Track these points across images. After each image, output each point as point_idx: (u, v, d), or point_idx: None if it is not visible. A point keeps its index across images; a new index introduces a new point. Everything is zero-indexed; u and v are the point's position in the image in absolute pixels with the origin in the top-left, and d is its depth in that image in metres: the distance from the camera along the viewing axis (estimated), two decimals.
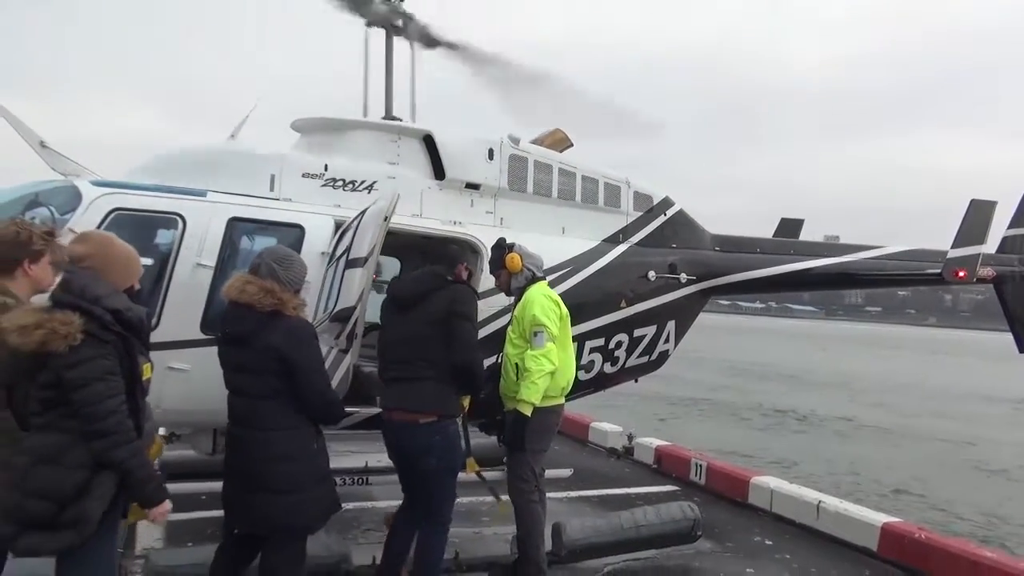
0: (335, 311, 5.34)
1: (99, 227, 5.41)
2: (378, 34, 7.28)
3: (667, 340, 8.07)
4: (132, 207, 5.73)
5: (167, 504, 3.66)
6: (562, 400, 5.73)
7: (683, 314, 8.18)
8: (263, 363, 4.12)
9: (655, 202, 8.15)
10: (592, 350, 7.45)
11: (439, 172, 6.93)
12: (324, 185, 6.50)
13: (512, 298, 5.85)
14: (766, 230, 9.70)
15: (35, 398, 3.44)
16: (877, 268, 9.08)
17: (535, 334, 5.31)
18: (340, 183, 6.55)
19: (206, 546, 4.99)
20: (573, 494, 8.53)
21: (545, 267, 6.92)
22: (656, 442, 10.55)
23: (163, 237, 5.94)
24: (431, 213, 6.82)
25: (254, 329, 4.14)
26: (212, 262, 5.81)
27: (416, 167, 6.89)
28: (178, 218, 5.83)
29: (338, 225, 6.13)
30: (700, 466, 9.34)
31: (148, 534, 6.55)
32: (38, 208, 5.76)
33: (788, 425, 22.59)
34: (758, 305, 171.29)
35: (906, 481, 15.19)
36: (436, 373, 4.93)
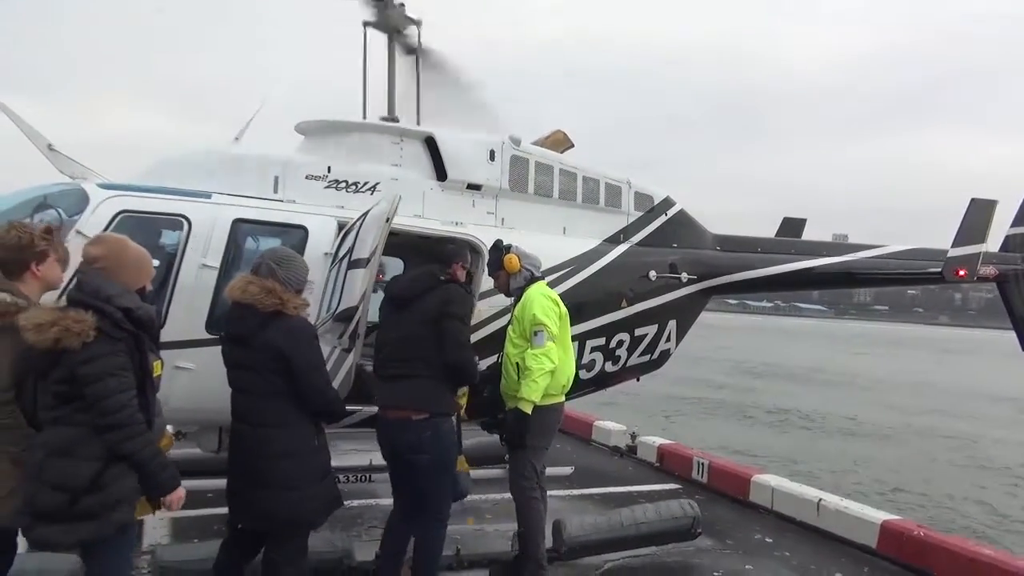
0: (338, 311, 5.42)
1: (106, 229, 5.52)
2: (380, 37, 7.37)
3: (668, 339, 8.13)
4: (138, 209, 5.83)
5: (181, 490, 3.79)
6: (562, 398, 5.79)
7: (684, 313, 8.24)
8: (264, 362, 4.21)
9: (656, 202, 8.21)
10: (593, 349, 7.52)
11: (441, 173, 7.01)
12: (327, 187, 6.59)
13: (512, 298, 5.90)
14: (774, 231, 9.73)
15: (50, 393, 3.57)
16: (878, 267, 9.11)
17: (535, 333, 5.38)
18: (343, 184, 6.63)
19: (211, 542, 5.07)
20: (575, 492, 8.62)
21: (546, 267, 6.99)
22: (659, 441, 10.60)
23: (168, 238, 6.04)
24: (433, 214, 6.89)
25: (255, 328, 4.23)
26: (217, 263, 5.91)
27: (418, 168, 6.98)
28: (183, 220, 5.93)
29: (341, 226, 6.21)
30: (702, 464, 9.39)
31: (155, 530, 6.67)
32: (46, 210, 5.89)
33: (799, 425, 22.62)
34: (766, 304, 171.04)
35: (910, 481, 15.22)
36: (429, 371, 4.99)
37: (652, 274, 7.87)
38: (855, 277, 9.19)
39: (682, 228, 8.37)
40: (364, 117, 7.36)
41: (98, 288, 3.61)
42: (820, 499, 7.78)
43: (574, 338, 7.24)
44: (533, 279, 5.68)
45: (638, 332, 7.82)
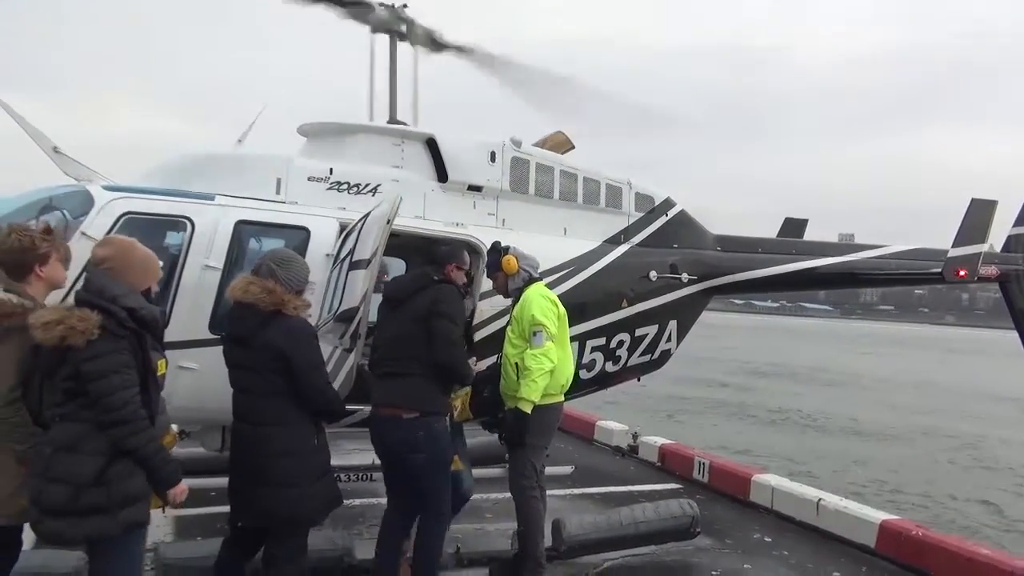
0: (339, 312, 5.48)
1: (110, 230, 5.59)
2: (382, 39, 7.42)
3: (669, 339, 8.15)
4: (142, 211, 5.89)
5: (183, 485, 3.87)
6: (561, 397, 5.83)
7: (685, 313, 8.26)
8: (264, 361, 4.28)
9: (657, 203, 8.24)
10: (594, 349, 7.55)
11: (442, 175, 7.05)
12: (329, 188, 6.64)
13: (510, 299, 5.95)
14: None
15: (57, 390, 3.68)
16: (879, 267, 9.14)
17: (534, 334, 5.42)
18: (345, 186, 6.68)
19: (214, 540, 5.13)
20: (576, 491, 8.68)
21: (547, 267, 7.05)
22: (660, 440, 10.65)
23: (172, 240, 6.10)
24: (434, 215, 6.94)
25: (256, 328, 4.29)
26: (220, 264, 5.96)
27: (419, 170, 7.02)
28: (187, 221, 5.99)
29: (343, 227, 6.24)
30: (703, 464, 9.43)
31: (158, 528, 6.74)
32: (52, 212, 5.96)
33: (803, 426, 22.62)
34: (772, 304, 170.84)
35: (914, 481, 15.23)
36: (421, 370, 5.01)
37: (653, 274, 7.91)
38: (856, 277, 9.21)
39: (683, 228, 8.40)
40: (370, 119, 7.41)
41: (103, 288, 3.72)
42: (820, 499, 7.82)
43: (575, 338, 7.29)
44: (531, 280, 5.73)
45: (639, 332, 7.85)
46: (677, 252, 8.21)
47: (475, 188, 7.16)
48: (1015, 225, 10.08)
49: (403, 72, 7.43)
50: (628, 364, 7.88)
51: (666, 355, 8.21)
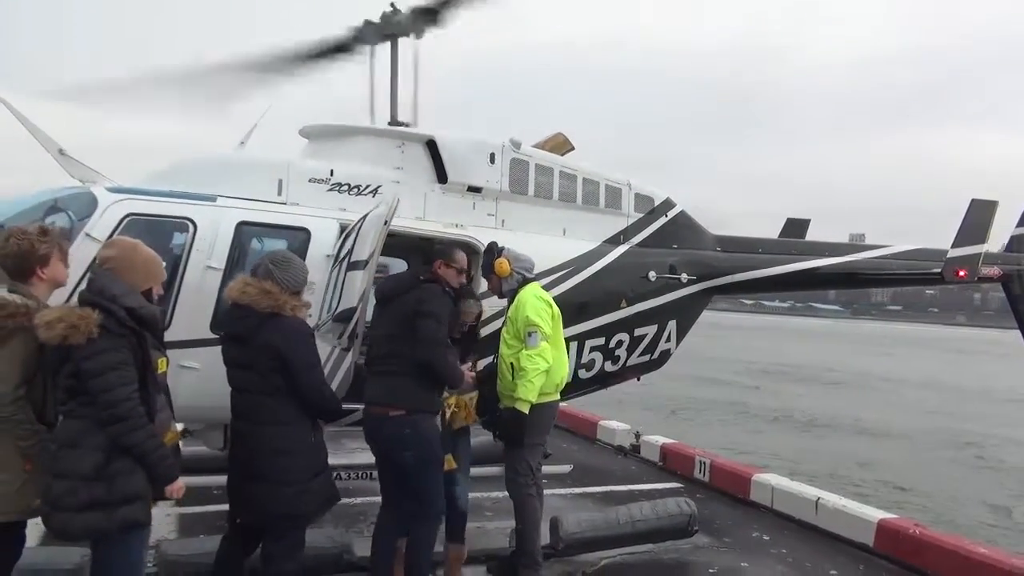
0: (337, 311, 5.56)
1: (114, 231, 5.70)
2: (383, 42, 7.48)
3: (668, 339, 8.22)
4: (145, 212, 5.99)
5: (180, 481, 3.95)
6: (557, 396, 5.88)
7: (684, 314, 8.33)
8: (262, 361, 4.35)
9: (656, 203, 8.31)
10: (593, 349, 7.62)
11: (442, 176, 7.12)
12: (330, 189, 6.72)
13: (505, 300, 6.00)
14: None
15: (61, 387, 3.79)
16: (880, 267, 9.17)
17: (529, 334, 5.47)
18: (345, 187, 6.76)
19: (215, 537, 5.17)
20: (577, 490, 8.73)
21: (546, 268, 7.11)
22: (662, 440, 10.68)
23: (175, 240, 6.20)
24: (433, 216, 7.02)
25: (253, 329, 4.36)
26: (221, 265, 6.05)
27: (419, 171, 7.09)
28: (189, 222, 6.08)
29: (343, 228, 6.32)
30: (704, 463, 9.46)
31: (162, 526, 6.84)
32: (57, 213, 6.08)
33: (809, 426, 22.59)
34: (782, 304, 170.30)
35: (918, 481, 15.21)
36: (408, 369, 5.04)
37: (652, 275, 7.97)
38: (856, 277, 9.25)
39: (682, 229, 8.46)
40: (372, 121, 7.48)
41: (103, 287, 3.82)
42: (819, 498, 7.84)
43: (574, 338, 7.37)
44: (526, 281, 5.78)
45: (638, 332, 7.91)
46: (677, 252, 8.27)
47: (475, 189, 7.23)
48: (1018, 225, 10.10)
49: (403, 73, 7.48)
50: (627, 364, 7.94)
51: (666, 355, 8.27)
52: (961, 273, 8.84)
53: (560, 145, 7.98)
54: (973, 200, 9.05)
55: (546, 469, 7.57)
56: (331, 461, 6.31)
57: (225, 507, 4.86)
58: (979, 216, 8.95)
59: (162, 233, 6.13)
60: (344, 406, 5.06)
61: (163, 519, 7.02)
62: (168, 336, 5.55)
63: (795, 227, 9.84)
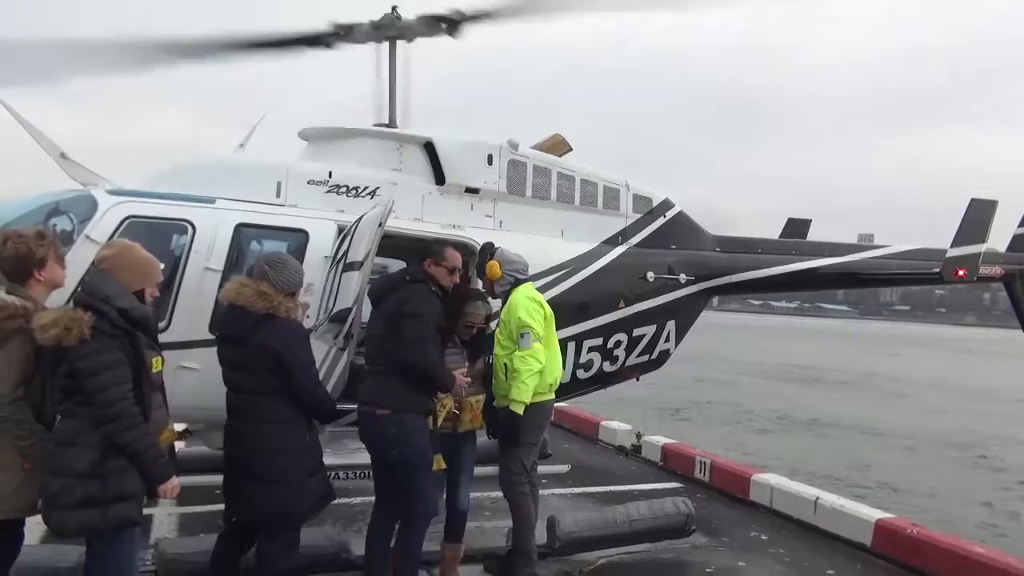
0: (333, 312, 5.61)
1: (113, 234, 5.76)
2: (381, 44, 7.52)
3: (667, 339, 8.21)
4: (144, 214, 6.05)
5: (175, 479, 4.00)
6: (552, 395, 5.90)
7: (683, 314, 8.32)
8: (257, 361, 4.41)
9: (655, 204, 8.31)
10: (591, 349, 7.62)
11: (440, 177, 7.16)
12: (328, 191, 6.76)
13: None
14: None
15: (57, 387, 3.87)
16: (879, 267, 9.17)
17: (521, 335, 5.50)
18: (344, 189, 6.80)
19: (214, 536, 5.24)
20: (577, 490, 8.76)
21: (544, 268, 7.14)
22: (663, 440, 10.70)
23: (174, 242, 6.25)
24: (431, 217, 7.05)
25: (248, 329, 4.42)
26: (220, 266, 6.09)
27: (417, 173, 7.13)
28: (188, 224, 6.13)
29: (341, 230, 6.37)
30: (704, 463, 9.48)
31: (163, 525, 6.91)
32: (58, 216, 6.15)
33: (814, 427, 22.56)
34: (790, 305, 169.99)
35: (922, 481, 15.17)
36: (393, 368, 5.07)
37: (650, 275, 7.97)
38: (856, 277, 9.24)
39: (681, 229, 8.46)
40: (374, 123, 7.53)
41: (97, 289, 3.89)
42: (817, 497, 7.86)
43: (572, 338, 7.39)
44: (518, 282, 5.80)
45: (636, 332, 7.91)
46: (675, 253, 8.27)
47: (472, 190, 7.26)
48: (1020, 225, 10.06)
49: (402, 75, 7.52)
50: (626, 364, 7.94)
51: (665, 355, 8.27)
52: (960, 273, 8.82)
53: (558, 146, 8.00)
54: (972, 199, 9.02)
55: (544, 469, 7.60)
56: (330, 461, 6.40)
57: None
58: (978, 215, 8.92)
59: (161, 235, 6.18)
60: (340, 406, 5.10)
61: (164, 518, 7.10)
62: (168, 337, 5.66)
63: (796, 227, 9.83)
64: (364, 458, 7.41)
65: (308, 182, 6.72)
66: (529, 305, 5.59)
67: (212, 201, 6.30)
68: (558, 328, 6.08)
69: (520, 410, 5.50)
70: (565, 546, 6.41)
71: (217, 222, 6.20)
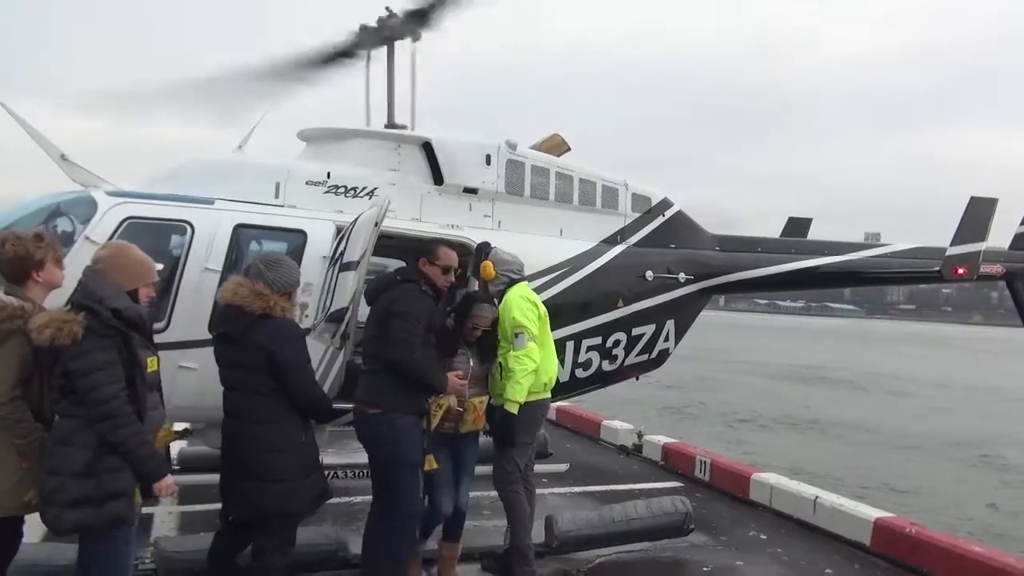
0: (329, 312, 5.64)
1: (113, 235, 5.81)
2: (380, 46, 7.56)
3: (667, 339, 8.23)
4: (144, 215, 6.10)
5: (169, 478, 4.03)
6: (547, 394, 5.92)
7: (683, 313, 8.33)
8: (252, 361, 4.45)
9: (653, 203, 8.32)
10: (590, 348, 7.65)
11: (438, 177, 7.19)
12: (327, 192, 6.80)
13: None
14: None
15: (54, 387, 3.91)
16: (879, 266, 9.16)
17: (516, 335, 5.51)
18: (342, 189, 6.84)
19: (212, 534, 5.30)
20: (577, 489, 8.77)
21: (542, 268, 7.16)
22: (664, 439, 10.70)
23: (173, 243, 6.31)
24: (430, 217, 7.08)
25: (244, 329, 4.45)
26: (219, 267, 6.13)
27: (416, 173, 7.16)
28: (187, 225, 6.18)
29: (339, 230, 6.40)
30: (704, 463, 9.48)
31: (163, 524, 6.95)
32: (59, 217, 6.22)
33: (817, 428, 22.52)
34: (796, 304, 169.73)
35: (925, 481, 15.15)
36: (383, 368, 5.06)
37: (649, 274, 7.99)
38: (855, 276, 9.24)
39: (680, 229, 8.48)
40: (369, 124, 7.56)
41: (91, 289, 3.93)
42: (816, 497, 7.85)
43: (571, 337, 7.42)
44: (512, 282, 5.81)
45: (635, 332, 7.93)
46: (674, 252, 8.29)
47: (471, 190, 7.29)
48: (1023, 223, 10.04)
49: (400, 76, 7.56)
50: (625, 363, 7.96)
51: (664, 354, 8.29)
52: (960, 271, 8.80)
53: (557, 146, 8.02)
54: (972, 198, 8.99)
55: (543, 468, 7.62)
56: (330, 460, 6.44)
57: None
58: (978, 213, 8.90)
59: (161, 236, 6.24)
60: (337, 406, 5.13)
61: (164, 517, 7.13)
62: (167, 337, 5.70)
63: (796, 226, 9.84)
64: (364, 457, 7.45)
65: (307, 183, 6.76)
66: (523, 305, 5.60)
67: (211, 202, 6.35)
68: (557, 327, 6.10)
69: (515, 409, 5.52)
70: (562, 545, 6.42)
71: (216, 223, 6.24)
